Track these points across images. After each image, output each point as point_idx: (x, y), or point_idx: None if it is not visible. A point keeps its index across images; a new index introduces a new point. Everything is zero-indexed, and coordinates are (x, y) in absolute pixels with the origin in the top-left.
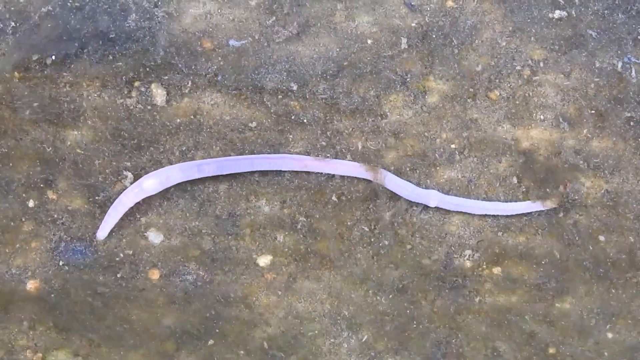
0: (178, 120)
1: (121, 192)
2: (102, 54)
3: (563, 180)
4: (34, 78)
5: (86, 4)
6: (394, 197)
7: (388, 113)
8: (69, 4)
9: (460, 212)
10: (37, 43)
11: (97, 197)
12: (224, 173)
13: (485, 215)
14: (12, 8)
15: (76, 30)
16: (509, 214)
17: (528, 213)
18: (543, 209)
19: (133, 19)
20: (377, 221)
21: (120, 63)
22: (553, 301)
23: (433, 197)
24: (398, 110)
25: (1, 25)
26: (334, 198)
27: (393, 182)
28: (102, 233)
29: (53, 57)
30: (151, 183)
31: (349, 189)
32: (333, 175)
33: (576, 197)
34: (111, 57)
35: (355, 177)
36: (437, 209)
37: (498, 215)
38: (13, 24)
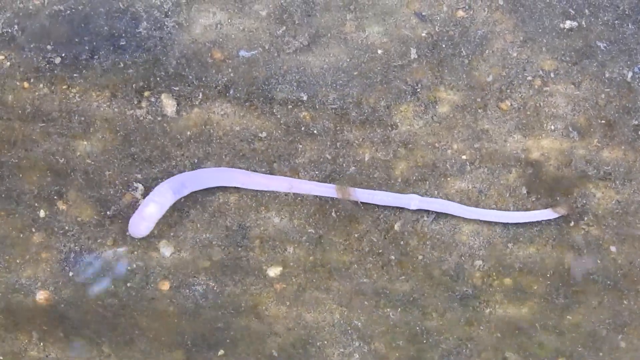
0: (188, 132)
1: (130, 204)
2: (112, 60)
3: (573, 189)
4: (44, 86)
5: (97, 10)
6: (401, 207)
7: (398, 123)
8: (80, 7)
9: (468, 221)
10: (47, 45)
11: (107, 209)
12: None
13: (495, 224)
14: (21, 14)
15: (86, 34)
16: (515, 221)
17: (539, 223)
18: (554, 216)
19: (144, 27)
20: (386, 231)
21: (131, 71)
22: (563, 312)
23: (414, 199)
24: (408, 121)
25: (10, 31)
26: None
27: (365, 195)
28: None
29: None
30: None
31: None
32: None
33: (586, 203)
34: (122, 65)
35: None
36: (450, 218)
37: (506, 223)
38: (22, 30)
